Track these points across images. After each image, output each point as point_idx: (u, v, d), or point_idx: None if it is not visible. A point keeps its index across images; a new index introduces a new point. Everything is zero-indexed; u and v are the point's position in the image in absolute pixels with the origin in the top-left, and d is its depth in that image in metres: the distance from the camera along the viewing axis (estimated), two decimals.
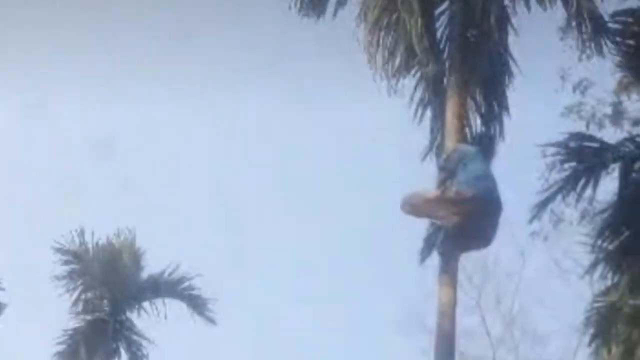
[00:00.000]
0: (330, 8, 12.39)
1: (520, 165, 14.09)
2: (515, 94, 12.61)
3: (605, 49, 12.54)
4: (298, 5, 12.30)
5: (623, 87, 14.47)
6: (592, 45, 12.41)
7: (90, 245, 19.96)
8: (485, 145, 11.59)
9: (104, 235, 19.94)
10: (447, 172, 11.33)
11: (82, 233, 19.81)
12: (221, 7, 15.86)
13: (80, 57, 17.23)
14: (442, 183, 11.29)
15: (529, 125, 13.80)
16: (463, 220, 10.93)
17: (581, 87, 14.80)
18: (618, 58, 13.23)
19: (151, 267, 20.53)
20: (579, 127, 14.71)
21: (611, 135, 14.50)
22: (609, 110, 14.95)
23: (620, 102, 14.87)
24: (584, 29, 12.31)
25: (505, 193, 11.18)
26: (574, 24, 12.26)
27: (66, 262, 20.00)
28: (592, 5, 12.27)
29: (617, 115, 14.88)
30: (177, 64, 17.33)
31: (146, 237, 20.07)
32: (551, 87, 14.89)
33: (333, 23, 12.28)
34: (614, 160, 13.54)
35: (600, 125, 14.89)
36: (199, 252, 20.09)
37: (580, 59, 12.73)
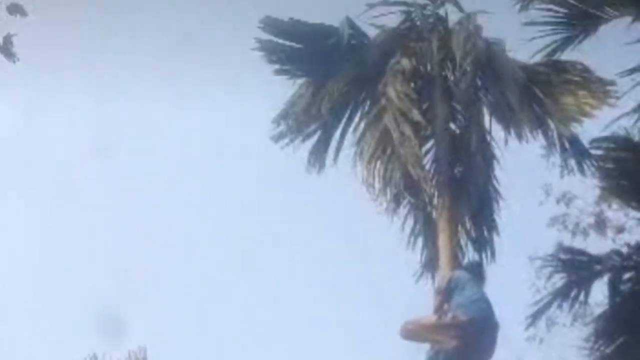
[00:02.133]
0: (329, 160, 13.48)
1: (511, 272, 14.78)
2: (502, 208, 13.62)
3: (586, 169, 13.57)
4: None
5: (604, 199, 15.35)
6: (574, 165, 13.41)
7: None
8: (477, 270, 12.42)
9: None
10: (443, 297, 12.13)
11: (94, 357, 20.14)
12: (222, 7, 16.32)
13: (81, 57, 17.28)
14: (438, 308, 12.07)
15: (516, 237, 14.52)
16: (461, 343, 11.70)
17: (565, 199, 15.64)
18: (598, 179, 14.17)
19: None
20: (565, 236, 15.58)
21: (596, 243, 15.36)
22: (592, 219, 15.80)
23: (602, 212, 15.74)
24: (565, 154, 13.29)
25: (498, 302, 12.07)
26: (555, 150, 13.25)
27: None
28: (571, 133, 13.20)
29: (601, 224, 15.74)
30: (179, 64, 17.29)
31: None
32: (536, 201, 15.68)
33: None
34: (603, 273, 14.37)
35: (585, 234, 15.74)
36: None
37: (562, 176, 13.85)
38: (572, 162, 13.38)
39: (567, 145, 13.18)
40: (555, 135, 13.13)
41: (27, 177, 18.63)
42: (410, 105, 12.87)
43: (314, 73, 13.48)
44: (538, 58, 13.55)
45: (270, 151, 13.77)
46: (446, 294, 12.05)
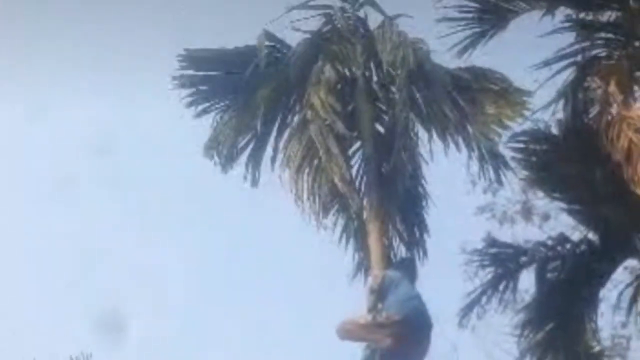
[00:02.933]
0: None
1: (443, 262, 15.02)
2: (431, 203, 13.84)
3: (503, 179, 13.78)
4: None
5: (529, 187, 15.67)
6: (492, 175, 13.59)
7: None
8: (409, 266, 12.59)
9: None
10: (377, 297, 12.29)
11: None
12: (223, 7, 16.26)
13: (81, 57, 17.28)
14: (373, 307, 12.23)
15: (445, 227, 14.73)
16: (395, 341, 11.86)
17: (491, 189, 15.92)
18: (522, 171, 14.48)
19: None
20: (493, 224, 15.88)
21: (523, 229, 15.70)
22: (518, 207, 16.12)
23: (528, 200, 16.06)
24: (483, 163, 13.44)
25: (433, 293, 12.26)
26: (474, 157, 13.41)
27: None
28: (489, 142, 13.36)
29: (527, 212, 16.06)
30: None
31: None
32: (462, 191, 15.92)
33: None
34: (529, 264, 14.71)
35: (512, 222, 16.07)
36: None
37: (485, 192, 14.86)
38: (489, 172, 13.56)
39: (484, 153, 13.37)
40: (474, 143, 13.34)
41: (26, 177, 18.61)
42: (336, 118, 13.01)
43: (239, 95, 13.50)
44: (458, 62, 13.78)
45: None
46: (379, 293, 12.23)
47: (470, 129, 13.35)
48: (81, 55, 17.08)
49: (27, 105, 17.01)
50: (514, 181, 15.13)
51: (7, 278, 17.80)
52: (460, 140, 13.26)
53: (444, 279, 15.21)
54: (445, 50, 13.72)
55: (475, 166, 13.55)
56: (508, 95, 13.36)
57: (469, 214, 15.97)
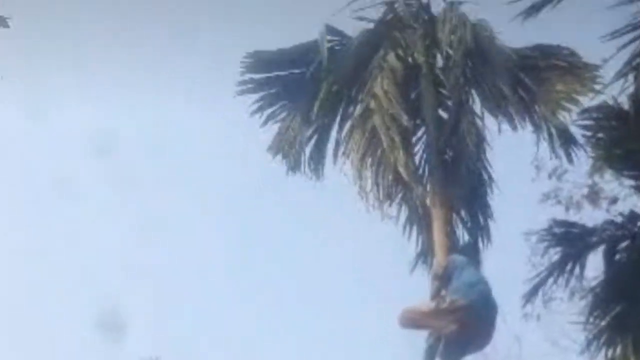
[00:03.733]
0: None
1: (506, 252, 14.87)
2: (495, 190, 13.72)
3: (573, 157, 13.71)
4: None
5: (597, 169, 15.37)
6: (562, 153, 13.55)
7: None
8: (473, 252, 12.49)
9: None
10: (441, 282, 12.19)
11: None
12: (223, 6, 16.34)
13: (81, 57, 17.14)
14: (436, 293, 12.14)
15: (511, 214, 14.58)
16: (460, 327, 11.77)
17: (556, 174, 15.68)
18: (591, 149, 14.21)
19: None
20: (559, 211, 15.61)
21: (590, 214, 15.41)
22: (585, 191, 15.85)
23: (595, 184, 15.77)
24: (552, 141, 13.41)
25: (495, 282, 12.15)
26: (543, 137, 13.37)
27: None
28: (558, 120, 13.35)
29: (594, 196, 15.77)
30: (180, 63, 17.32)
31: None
32: (528, 177, 15.72)
33: None
34: (598, 244, 14.42)
35: (579, 207, 15.78)
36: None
37: (551, 158, 14.00)
38: (560, 149, 13.49)
39: (553, 132, 13.30)
40: (543, 123, 13.27)
41: (26, 176, 18.65)
42: (399, 108, 13.01)
43: (302, 95, 13.53)
44: (523, 41, 13.58)
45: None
46: (444, 279, 12.12)
47: (538, 108, 13.25)
48: (81, 54, 17.03)
49: (27, 105, 16.82)
50: (583, 161, 14.97)
51: (7, 278, 17.77)
52: (528, 121, 13.18)
53: (507, 267, 15.09)
54: (512, 19, 13.48)
55: (544, 146, 13.48)
56: (577, 70, 13.25)
57: (534, 202, 15.83)
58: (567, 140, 13.36)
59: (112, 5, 16.33)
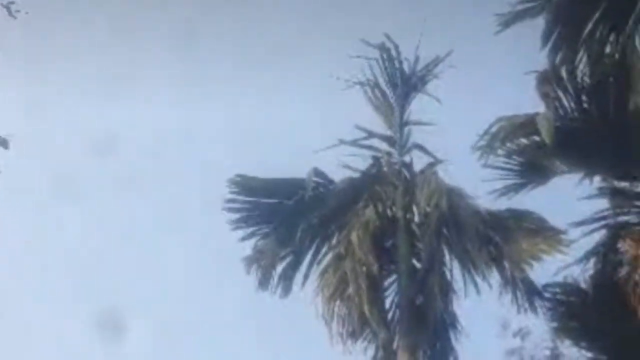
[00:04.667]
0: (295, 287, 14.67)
1: None
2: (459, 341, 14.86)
3: (538, 308, 14.78)
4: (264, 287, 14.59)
5: (558, 335, 16.60)
6: (526, 305, 14.64)
7: None
8: None
9: None
10: None
11: None
12: (225, 6, 16.67)
13: (81, 57, 17.29)
14: None
15: None
16: None
17: (520, 334, 16.87)
18: (551, 320, 15.29)
19: None
20: None
21: None
22: (547, 352, 17.00)
23: (556, 347, 16.94)
24: (518, 293, 14.52)
25: None
26: (509, 289, 14.50)
27: None
28: (524, 274, 14.48)
29: (555, 359, 16.95)
30: (181, 63, 17.42)
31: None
32: (493, 334, 16.86)
33: None
34: None
35: None
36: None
37: (518, 312, 14.99)
38: (525, 301, 14.58)
39: (520, 285, 14.39)
40: (509, 275, 14.37)
41: (26, 176, 17.81)
42: (371, 257, 14.16)
43: (282, 222, 14.68)
44: (496, 204, 14.78)
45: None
46: None
47: (506, 263, 14.40)
48: (81, 55, 17.12)
49: (27, 105, 16.61)
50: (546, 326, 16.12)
51: (7, 278, 17.38)
52: (496, 275, 14.34)
53: None
54: (486, 193, 14.68)
55: (510, 308, 14.68)
56: (544, 232, 14.38)
57: (497, 357, 16.84)
58: (531, 292, 14.40)
59: (112, 5, 16.65)
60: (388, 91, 15.29)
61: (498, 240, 14.46)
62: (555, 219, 14.66)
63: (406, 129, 15.17)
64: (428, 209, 14.41)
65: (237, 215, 14.64)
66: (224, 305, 18.10)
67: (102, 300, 17.50)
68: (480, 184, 14.51)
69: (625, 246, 14.95)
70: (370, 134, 15.08)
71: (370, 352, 14.47)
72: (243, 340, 18.11)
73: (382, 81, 15.27)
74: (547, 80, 14.10)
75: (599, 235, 15.02)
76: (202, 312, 18.32)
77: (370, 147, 15.13)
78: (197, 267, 18.54)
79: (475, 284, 14.34)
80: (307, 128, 15.92)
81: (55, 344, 18.27)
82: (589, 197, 14.85)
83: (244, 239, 14.70)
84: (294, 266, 14.61)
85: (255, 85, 16.30)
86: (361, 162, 14.96)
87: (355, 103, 15.16)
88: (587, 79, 14.48)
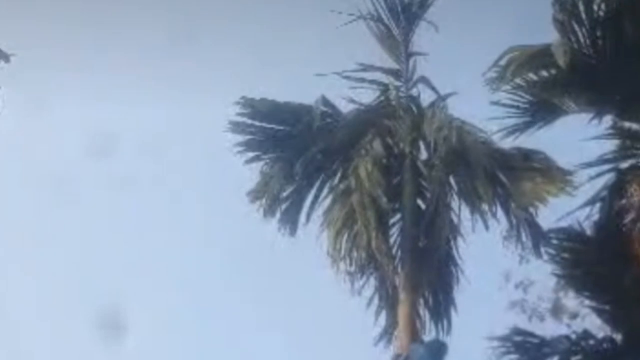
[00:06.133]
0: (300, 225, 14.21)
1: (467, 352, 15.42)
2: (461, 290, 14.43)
3: (544, 254, 14.39)
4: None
5: (560, 287, 16.17)
6: (531, 249, 14.21)
7: None
8: (438, 352, 13.03)
9: None
10: None
11: None
12: (224, 6, 16.52)
13: (82, 56, 17.21)
14: None
15: (475, 319, 15.20)
16: None
17: (522, 285, 16.44)
18: (554, 267, 14.97)
19: None
20: (522, 320, 16.30)
21: (551, 327, 16.12)
22: (549, 304, 16.59)
23: (559, 298, 16.53)
24: (523, 237, 14.10)
25: None
26: (514, 233, 14.07)
27: None
28: (530, 217, 14.05)
29: (557, 310, 16.51)
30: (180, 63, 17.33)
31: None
32: (495, 286, 16.44)
33: None
34: (552, 355, 14.95)
35: (542, 319, 16.48)
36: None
37: (520, 263, 14.61)
38: (530, 245, 14.15)
39: (525, 228, 13.96)
40: (515, 219, 13.94)
41: (26, 177, 18.28)
42: (379, 191, 13.70)
43: (287, 150, 14.19)
44: (504, 143, 14.33)
45: None
46: None
47: (513, 205, 13.95)
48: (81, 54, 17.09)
49: (26, 104, 16.57)
50: (549, 277, 15.71)
51: (6, 278, 17.50)
52: (502, 217, 13.89)
53: None
54: (493, 131, 14.33)
55: (513, 258, 14.23)
56: (551, 172, 13.94)
57: (499, 308, 16.47)
58: (536, 236, 13.99)
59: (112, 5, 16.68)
60: (390, 23, 14.80)
61: (505, 180, 14.02)
62: (562, 161, 14.32)
63: (411, 61, 14.72)
64: (436, 143, 13.92)
65: (241, 138, 14.12)
66: (224, 306, 18.30)
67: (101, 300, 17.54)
68: (487, 121, 14.20)
69: (632, 190, 14.57)
70: (375, 68, 14.58)
71: (372, 291, 14.06)
72: None
73: (383, 14, 14.78)
74: (564, 8, 13.69)
75: (604, 180, 14.68)
76: (202, 311, 18.51)
77: (376, 82, 14.63)
78: (197, 267, 18.60)
79: (482, 223, 13.85)
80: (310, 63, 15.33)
81: (54, 345, 18.33)
82: (598, 138, 14.46)
83: (248, 162, 14.18)
84: (298, 200, 14.14)
85: (258, 22, 15.97)
86: (367, 97, 14.53)
87: (358, 38, 14.77)
88: (602, 13, 14.05)
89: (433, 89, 14.53)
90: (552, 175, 13.86)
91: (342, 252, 13.72)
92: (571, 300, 16.22)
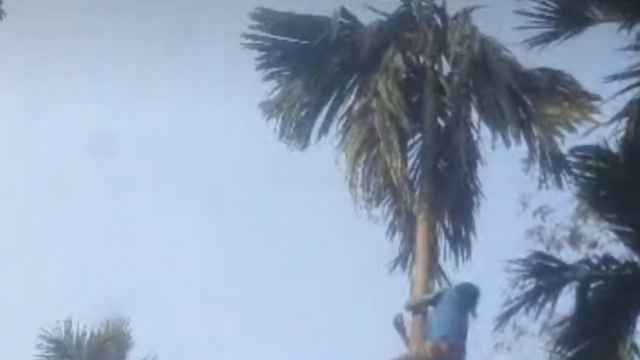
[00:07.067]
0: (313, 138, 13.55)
1: (484, 281, 14.97)
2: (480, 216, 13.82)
3: (564, 183, 13.70)
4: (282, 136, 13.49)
5: (580, 214, 15.53)
6: (553, 178, 13.53)
7: (75, 335, 20.22)
8: (470, 297, 12.56)
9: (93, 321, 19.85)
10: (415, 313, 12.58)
11: (69, 322, 20.14)
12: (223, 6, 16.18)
13: (82, 56, 17.58)
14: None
15: (492, 245, 14.68)
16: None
17: (541, 212, 15.84)
18: (576, 188, 14.28)
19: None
20: (540, 248, 15.65)
21: (569, 255, 15.56)
22: (567, 233, 15.99)
23: (577, 227, 15.93)
24: (545, 164, 13.40)
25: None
26: (536, 159, 13.37)
27: (49, 350, 20.31)
28: (553, 144, 13.37)
29: (575, 239, 15.93)
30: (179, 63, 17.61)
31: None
32: (513, 212, 15.84)
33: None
34: (572, 279, 14.45)
35: (559, 247, 15.91)
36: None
37: (539, 188, 13.93)
38: (550, 174, 13.49)
39: (547, 155, 13.32)
40: (537, 144, 13.28)
41: (26, 177, 18.99)
42: (400, 111, 13.00)
43: (305, 64, 13.50)
44: (528, 63, 13.61)
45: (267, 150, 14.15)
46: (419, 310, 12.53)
47: (535, 129, 13.33)
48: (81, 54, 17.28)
49: (27, 104, 17.27)
50: (568, 205, 15.11)
51: (6, 278, 18.00)
52: (523, 139, 13.20)
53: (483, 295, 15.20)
54: (518, 43, 13.64)
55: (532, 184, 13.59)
56: (576, 98, 13.33)
57: (516, 235, 15.96)
58: (558, 164, 13.34)
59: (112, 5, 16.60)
60: None
61: (529, 102, 13.29)
62: (587, 74, 13.55)
63: None
64: (459, 53, 13.13)
65: (259, 54, 13.33)
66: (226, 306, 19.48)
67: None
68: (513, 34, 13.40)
69: None
70: None
71: (389, 217, 13.40)
72: None
73: None
74: None
75: (632, 94, 13.89)
76: (203, 312, 19.71)
77: None
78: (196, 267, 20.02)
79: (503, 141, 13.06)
80: None
81: None
82: (626, 48, 13.64)
83: (267, 78, 13.44)
84: (313, 114, 13.42)
85: None
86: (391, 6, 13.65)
87: None
88: None
89: None
90: (578, 100, 13.21)
91: (360, 175, 13.07)
92: (591, 228, 15.69)
